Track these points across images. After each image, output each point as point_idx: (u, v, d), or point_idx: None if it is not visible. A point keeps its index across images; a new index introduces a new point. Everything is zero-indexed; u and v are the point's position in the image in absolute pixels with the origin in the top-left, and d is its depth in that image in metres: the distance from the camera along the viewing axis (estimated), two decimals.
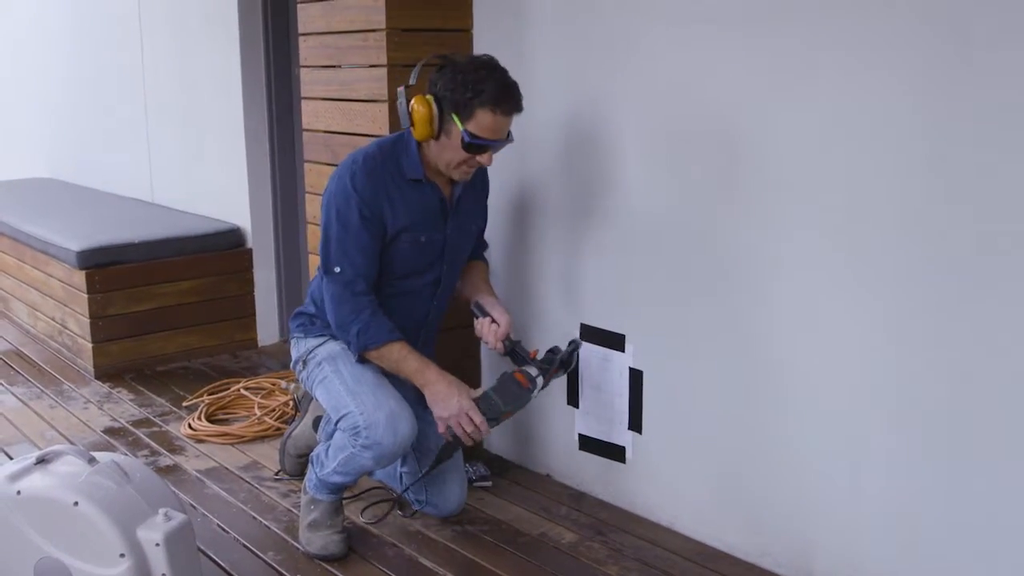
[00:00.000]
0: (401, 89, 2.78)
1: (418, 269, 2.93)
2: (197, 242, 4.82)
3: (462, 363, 3.40)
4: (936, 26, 2.27)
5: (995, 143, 2.21)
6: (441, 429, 2.83)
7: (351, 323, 2.80)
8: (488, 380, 3.50)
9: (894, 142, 2.38)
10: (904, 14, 2.33)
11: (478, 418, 2.78)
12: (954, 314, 2.34)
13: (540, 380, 2.85)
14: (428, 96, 2.73)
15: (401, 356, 2.81)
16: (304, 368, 2.97)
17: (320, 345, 2.94)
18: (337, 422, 2.85)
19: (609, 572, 2.84)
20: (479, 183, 3.05)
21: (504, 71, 2.74)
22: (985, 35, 2.20)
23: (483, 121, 2.69)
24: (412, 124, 2.75)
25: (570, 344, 2.96)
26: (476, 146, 2.72)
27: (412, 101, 2.74)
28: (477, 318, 2.95)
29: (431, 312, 3.01)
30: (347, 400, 2.81)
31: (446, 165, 2.80)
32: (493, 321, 2.92)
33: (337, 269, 2.80)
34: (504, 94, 2.70)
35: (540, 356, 2.92)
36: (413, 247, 2.87)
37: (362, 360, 2.86)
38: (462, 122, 2.69)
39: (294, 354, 3.03)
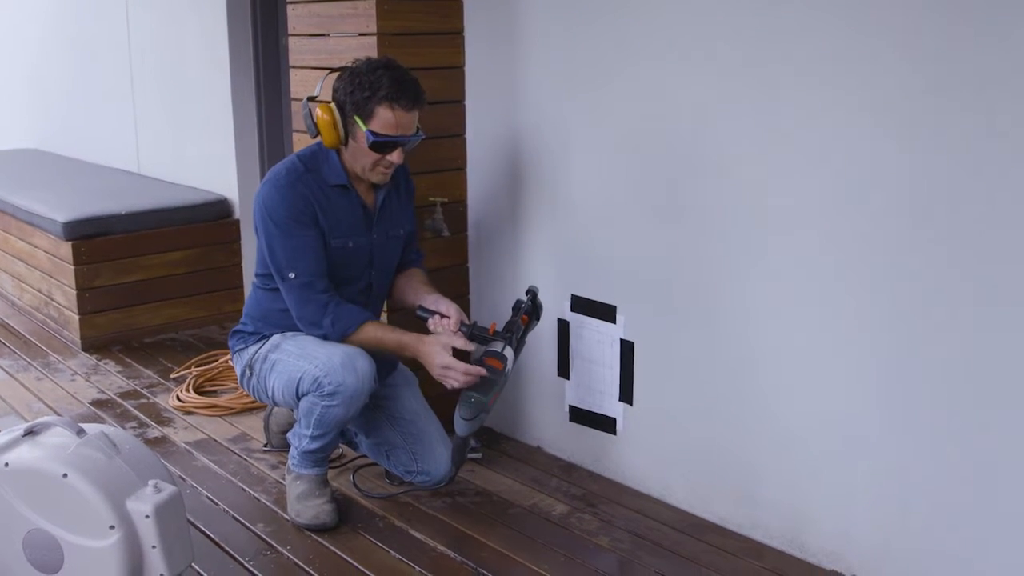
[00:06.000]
0: (306, 100, 2.83)
1: (349, 276, 2.95)
2: (184, 213, 4.79)
3: None
4: (913, 52, 2.27)
5: (972, 158, 2.21)
6: (445, 381, 2.79)
7: (321, 318, 2.84)
8: None
9: (882, 128, 2.38)
10: (879, 42, 2.34)
11: (449, 362, 2.73)
12: (943, 293, 2.34)
13: (509, 351, 2.83)
14: (331, 104, 2.79)
15: (378, 334, 2.86)
16: (252, 374, 2.99)
17: (260, 347, 2.97)
18: (299, 394, 2.85)
19: (600, 543, 2.85)
20: (403, 187, 3.06)
21: (402, 69, 2.78)
22: (959, 63, 2.19)
23: (384, 118, 2.74)
24: (319, 133, 2.81)
25: (527, 293, 2.97)
26: (382, 144, 2.76)
27: (316, 110, 2.79)
28: (426, 320, 2.92)
29: None
30: (299, 363, 2.83)
31: (362, 169, 2.85)
32: (443, 316, 2.89)
33: (292, 275, 2.82)
34: (400, 89, 2.74)
35: (500, 327, 2.89)
36: (342, 253, 2.90)
37: None
38: (364, 123, 2.75)
39: (239, 367, 3.04)
